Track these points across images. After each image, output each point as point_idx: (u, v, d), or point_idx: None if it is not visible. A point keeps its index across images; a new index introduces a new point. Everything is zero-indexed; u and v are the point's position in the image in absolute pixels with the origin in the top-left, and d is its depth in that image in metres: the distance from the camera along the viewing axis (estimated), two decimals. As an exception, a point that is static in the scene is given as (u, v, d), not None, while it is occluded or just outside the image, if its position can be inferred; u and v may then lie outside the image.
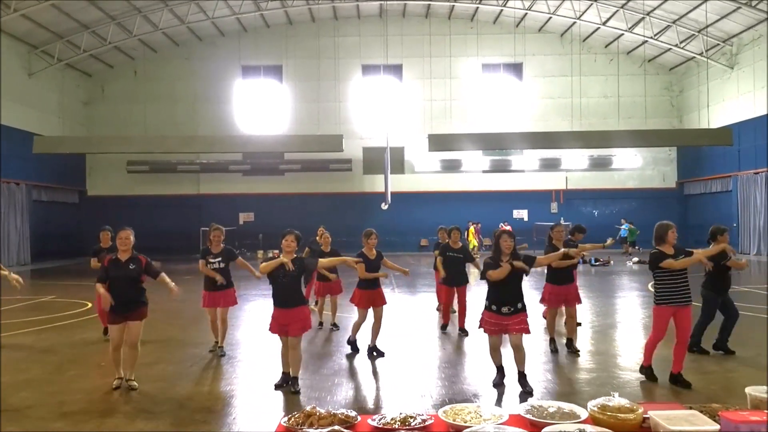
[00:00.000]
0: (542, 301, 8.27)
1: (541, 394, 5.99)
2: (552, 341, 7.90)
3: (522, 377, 6.04)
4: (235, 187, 28.93)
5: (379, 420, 2.51)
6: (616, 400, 2.49)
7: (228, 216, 27.93)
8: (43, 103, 25.00)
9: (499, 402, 5.82)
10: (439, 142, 20.98)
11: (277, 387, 6.21)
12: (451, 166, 28.92)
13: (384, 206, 24.70)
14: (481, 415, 2.52)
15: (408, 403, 5.78)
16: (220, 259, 7.82)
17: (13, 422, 5.27)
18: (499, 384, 6.21)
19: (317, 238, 11.61)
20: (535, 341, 8.40)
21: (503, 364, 6.28)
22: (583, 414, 2.48)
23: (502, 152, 28.45)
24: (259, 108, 29.19)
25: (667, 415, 2.37)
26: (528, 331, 6.01)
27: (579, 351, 7.76)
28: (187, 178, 29.04)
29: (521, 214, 29.28)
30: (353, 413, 2.59)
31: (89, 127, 28.39)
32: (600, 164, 29.07)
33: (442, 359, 7.62)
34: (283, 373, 6.30)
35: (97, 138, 24.32)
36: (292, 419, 2.54)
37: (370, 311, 7.69)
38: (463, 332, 9.00)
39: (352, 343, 7.86)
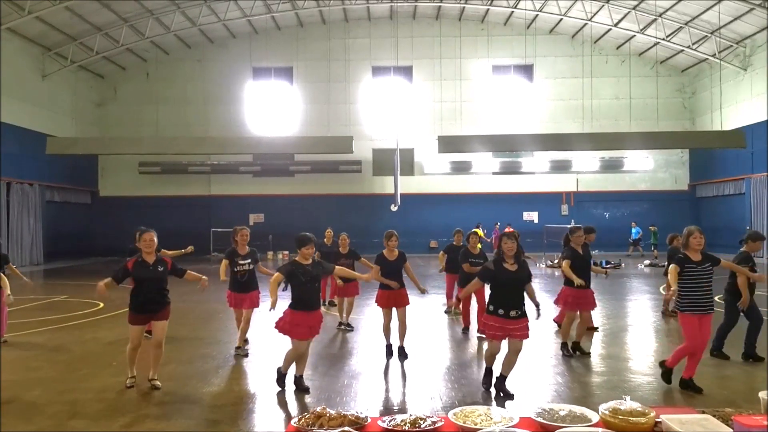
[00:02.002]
0: (557, 302, 8.05)
1: (551, 398, 5.96)
2: (564, 345, 7.79)
3: (502, 380, 5.99)
4: (245, 189, 29.04)
5: (389, 421, 2.50)
6: (628, 404, 2.47)
7: (238, 217, 27.96)
8: (56, 104, 25.25)
9: (509, 405, 5.79)
10: (449, 144, 20.98)
11: (307, 391, 6.16)
12: (461, 168, 28.87)
13: (393, 208, 24.74)
14: (491, 418, 2.51)
15: (418, 405, 5.77)
16: (249, 260, 7.80)
17: (24, 420, 5.32)
18: (486, 388, 6.15)
19: (325, 240, 11.64)
20: (546, 344, 8.36)
21: (492, 368, 6.21)
22: (595, 417, 2.46)
23: (513, 154, 28.36)
24: (269, 109, 29.29)
25: (679, 419, 2.35)
26: (528, 337, 5.95)
27: (589, 353, 7.73)
28: (198, 179, 29.20)
29: (531, 216, 29.17)
30: (363, 414, 2.59)
31: (102, 129, 28.63)
32: (611, 166, 28.91)
33: (452, 361, 7.59)
34: (300, 376, 6.29)
35: (109, 139, 24.56)
36: (303, 420, 2.55)
37: (394, 312, 7.60)
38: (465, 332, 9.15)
39: (388, 347, 7.69)
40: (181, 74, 29.04)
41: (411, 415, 2.54)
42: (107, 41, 25.30)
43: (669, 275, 6.16)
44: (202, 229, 26.88)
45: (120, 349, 8.29)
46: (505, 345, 5.97)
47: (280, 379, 6.23)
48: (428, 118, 28.72)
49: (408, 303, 7.70)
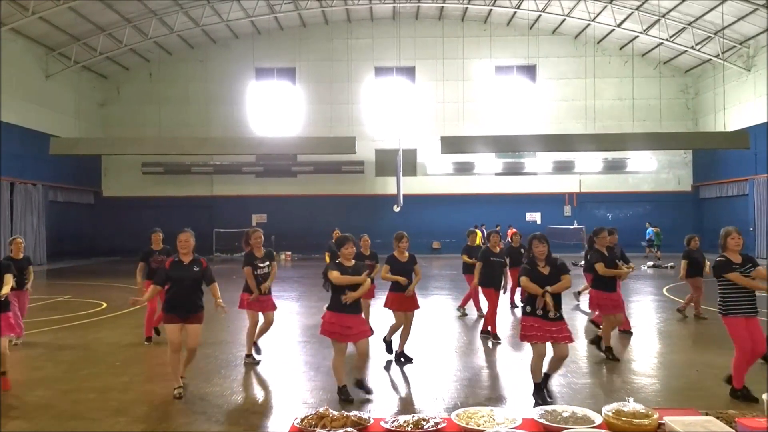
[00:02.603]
0: (592, 306, 7.92)
1: (554, 399, 5.94)
2: (609, 350, 7.58)
3: (546, 378, 5.87)
4: (247, 189, 29.08)
5: (392, 422, 2.51)
6: (631, 406, 2.47)
7: (240, 217, 28.11)
8: (59, 104, 25.31)
9: (512, 406, 5.79)
10: (451, 145, 20.94)
11: (368, 391, 6.02)
12: (464, 169, 28.86)
13: (396, 208, 24.74)
14: (494, 419, 2.51)
15: (421, 406, 5.76)
16: (267, 263, 7.51)
17: (27, 420, 5.33)
18: (540, 402, 5.69)
19: (333, 240, 11.64)
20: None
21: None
22: (598, 419, 2.46)
23: (515, 155, 28.34)
24: (272, 110, 29.33)
25: (682, 421, 2.35)
26: (573, 340, 5.75)
27: (618, 359, 7.54)
28: (200, 180, 29.24)
29: (534, 216, 29.14)
30: (366, 415, 2.59)
31: (105, 129, 28.70)
32: (614, 167, 28.87)
33: (455, 362, 7.59)
34: (343, 387, 5.95)
35: (112, 139, 24.59)
36: (305, 420, 2.55)
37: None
38: (496, 339, 8.77)
39: (388, 343, 7.66)
40: (184, 74, 29.09)
41: (414, 416, 2.54)
42: (110, 41, 25.36)
43: (736, 280, 5.71)
44: (204, 230, 26.88)
45: (122, 349, 8.32)
46: (550, 351, 5.79)
47: (341, 391, 5.88)
48: (431, 119, 28.72)
49: (418, 307, 7.62)
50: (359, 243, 9.75)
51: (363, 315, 9.32)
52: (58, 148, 20.71)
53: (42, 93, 24.17)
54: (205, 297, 6.15)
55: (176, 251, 6.18)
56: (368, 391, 6.02)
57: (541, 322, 5.59)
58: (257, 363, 7.40)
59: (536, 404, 5.61)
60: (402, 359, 7.47)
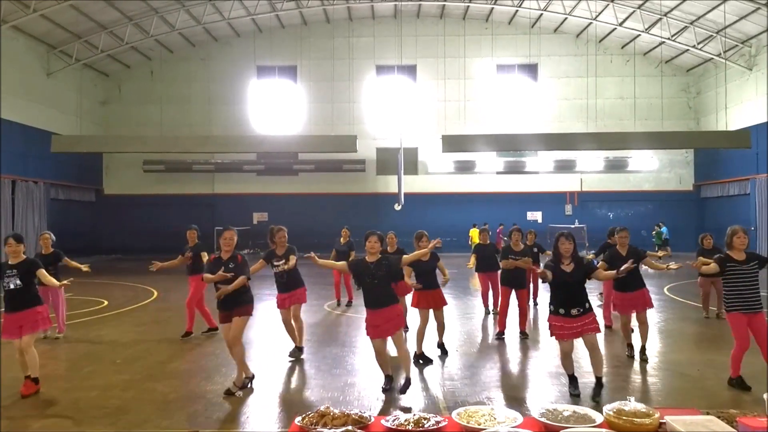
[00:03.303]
0: (614, 308, 7.98)
1: (555, 398, 5.95)
2: (629, 347, 7.68)
3: (599, 384, 5.84)
4: (249, 187, 29.09)
5: (393, 421, 2.51)
6: (632, 405, 2.47)
7: (242, 216, 28.12)
8: (61, 102, 25.31)
9: (512, 405, 5.79)
10: (452, 143, 20.93)
11: (402, 392, 5.94)
12: (465, 168, 28.84)
13: (397, 207, 24.72)
14: (495, 418, 2.51)
15: (422, 405, 5.77)
16: (283, 261, 7.61)
17: (29, 418, 5.34)
18: (575, 395, 5.89)
19: (340, 239, 11.65)
20: (549, 344, 8.34)
21: (575, 373, 6.03)
22: (599, 418, 2.46)
23: (517, 153, 28.32)
24: (273, 108, 29.32)
25: (683, 420, 2.35)
26: (600, 330, 5.88)
27: (647, 358, 7.51)
28: (202, 178, 29.25)
29: (535, 216, 29.12)
30: (367, 414, 2.59)
31: (106, 127, 28.70)
32: (615, 166, 28.84)
33: (456, 361, 7.59)
34: (386, 376, 6.11)
35: (113, 137, 24.58)
36: (306, 419, 2.55)
37: (431, 314, 7.55)
38: (524, 335, 8.82)
39: (421, 355, 7.39)
40: (185, 73, 29.09)
41: (415, 415, 2.54)
42: (112, 39, 25.35)
43: (703, 268, 6.27)
44: (205, 228, 26.83)
45: (123, 347, 8.33)
46: (581, 346, 5.91)
47: (387, 381, 6.09)
48: (432, 118, 28.70)
49: (446, 303, 7.67)
50: (387, 240, 9.76)
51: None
52: (59, 146, 20.74)
53: (43, 91, 24.17)
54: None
55: (219, 248, 6.35)
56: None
57: (564, 320, 5.71)
58: (300, 357, 7.65)
59: (571, 396, 5.88)
60: (441, 352, 7.70)
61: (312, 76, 29.17)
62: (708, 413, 2.48)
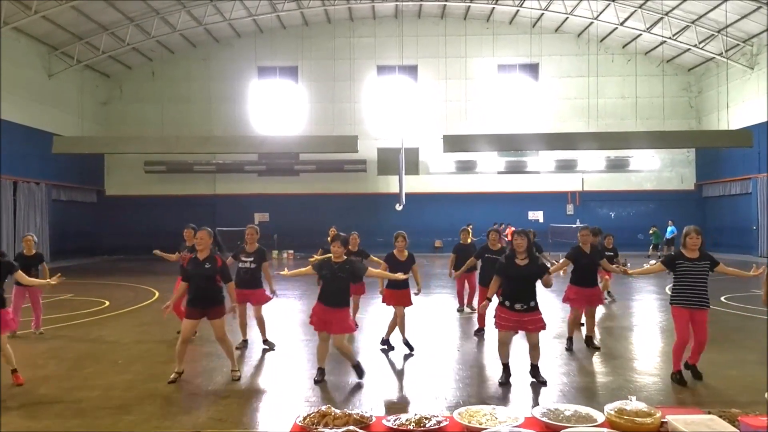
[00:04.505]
0: (566, 300, 8.27)
1: (557, 398, 5.94)
2: (569, 340, 8.06)
3: (535, 369, 6.30)
4: (250, 188, 29.10)
5: (394, 421, 2.50)
6: (634, 404, 2.46)
7: (243, 216, 28.06)
8: (62, 103, 25.34)
9: (514, 404, 5.78)
10: (454, 143, 20.92)
11: (316, 382, 6.36)
12: (466, 167, 28.84)
13: (398, 207, 24.70)
14: (496, 418, 2.50)
15: (423, 404, 5.77)
16: (252, 259, 7.98)
17: (31, 418, 5.34)
18: (504, 383, 6.27)
19: (328, 239, 11.62)
20: (551, 344, 8.35)
21: (509, 363, 6.40)
22: (600, 418, 2.45)
23: (518, 153, 28.30)
24: (274, 108, 29.33)
25: (685, 419, 2.34)
26: (544, 328, 6.21)
27: (599, 347, 8.00)
28: (203, 178, 29.28)
29: (536, 215, 29.11)
30: (368, 413, 2.59)
31: (107, 128, 28.72)
32: (617, 166, 28.82)
33: (457, 361, 7.59)
34: (319, 369, 6.48)
35: (115, 138, 24.62)
36: (308, 419, 2.55)
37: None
38: (479, 332, 9.13)
39: (386, 341, 8.06)
40: (186, 73, 29.11)
41: (416, 415, 2.54)
42: (113, 40, 25.39)
43: (644, 268, 7.00)
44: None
45: (125, 347, 8.34)
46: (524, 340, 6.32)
47: (320, 373, 6.46)
48: (433, 118, 28.70)
49: (411, 304, 8.01)
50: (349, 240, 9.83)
51: (352, 311, 9.35)
52: (61, 147, 20.77)
53: (45, 92, 24.21)
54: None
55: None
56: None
57: (508, 313, 6.15)
58: (272, 348, 8.03)
59: (500, 382, 6.27)
60: (409, 346, 7.90)
61: (313, 77, 29.18)
62: (710, 412, 2.47)
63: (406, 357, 7.70)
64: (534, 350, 6.28)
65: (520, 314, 6.09)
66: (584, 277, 7.98)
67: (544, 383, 6.23)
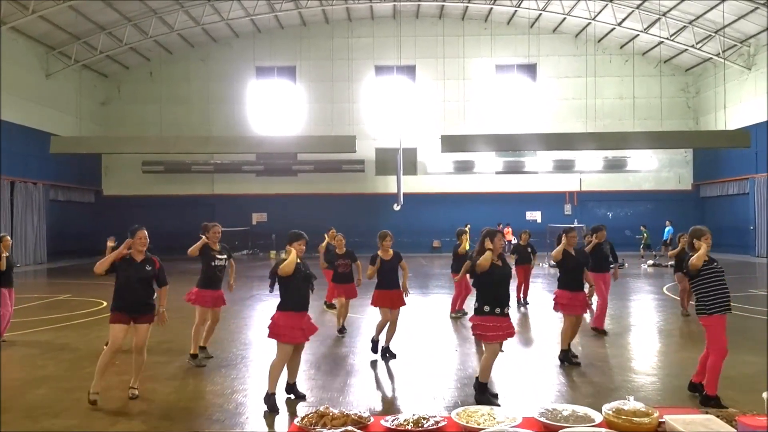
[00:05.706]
0: (558, 308, 7.58)
1: (555, 398, 5.95)
2: (564, 352, 7.27)
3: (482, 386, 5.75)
4: (248, 188, 29.09)
5: (392, 421, 2.51)
6: (632, 404, 2.47)
7: (241, 216, 28.14)
8: (60, 103, 25.30)
9: (513, 405, 5.78)
10: (452, 143, 20.95)
11: (301, 397, 5.91)
12: (464, 168, 28.85)
13: (396, 207, 24.71)
14: (494, 418, 2.51)
15: (421, 405, 5.77)
16: (226, 256, 7.52)
17: (29, 419, 5.33)
18: (491, 400, 5.59)
19: (326, 238, 11.61)
20: (549, 345, 8.36)
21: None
22: (598, 417, 2.45)
23: (516, 153, 28.33)
24: (272, 109, 29.33)
25: (683, 419, 2.35)
26: (513, 334, 5.79)
27: (579, 363, 7.22)
28: (201, 179, 29.25)
29: (534, 215, 29.13)
30: (366, 414, 2.59)
31: (105, 128, 28.68)
32: (615, 166, 28.86)
33: (455, 361, 7.59)
34: (289, 384, 5.93)
35: (113, 138, 24.61)
36: (306, 419, 2.55)
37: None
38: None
39: (375, 342, 7.64)
40: (184, 73, 29.08)
41: (414, 415, 2.54)
42: (111, 40, 25.36)
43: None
44: (205, 228, 26.88)
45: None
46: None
47: (269, 399, 5.53)
48: (431, 118, 28.71)
49: (404, 304, 7.74)
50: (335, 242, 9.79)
51: (341, 315, 9.23)
52: (58, 147, 20.75)
53: (42, 92, 24.17)
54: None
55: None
56: (302, 397, 5.89)
57: (499, 320, 5.55)
58: (203, 365, 7.15)
59: (476, 401, 5.53)
60: (387, 354, 7.53)
61: (311, 77, 29.18)
62: (707, 412, 2.48)
63: (403, 358, 7.58)
64: (491, 359, 5.70)
65: (505, 319, 5.60)
66: (576, 281, 7.47)
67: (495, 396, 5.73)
